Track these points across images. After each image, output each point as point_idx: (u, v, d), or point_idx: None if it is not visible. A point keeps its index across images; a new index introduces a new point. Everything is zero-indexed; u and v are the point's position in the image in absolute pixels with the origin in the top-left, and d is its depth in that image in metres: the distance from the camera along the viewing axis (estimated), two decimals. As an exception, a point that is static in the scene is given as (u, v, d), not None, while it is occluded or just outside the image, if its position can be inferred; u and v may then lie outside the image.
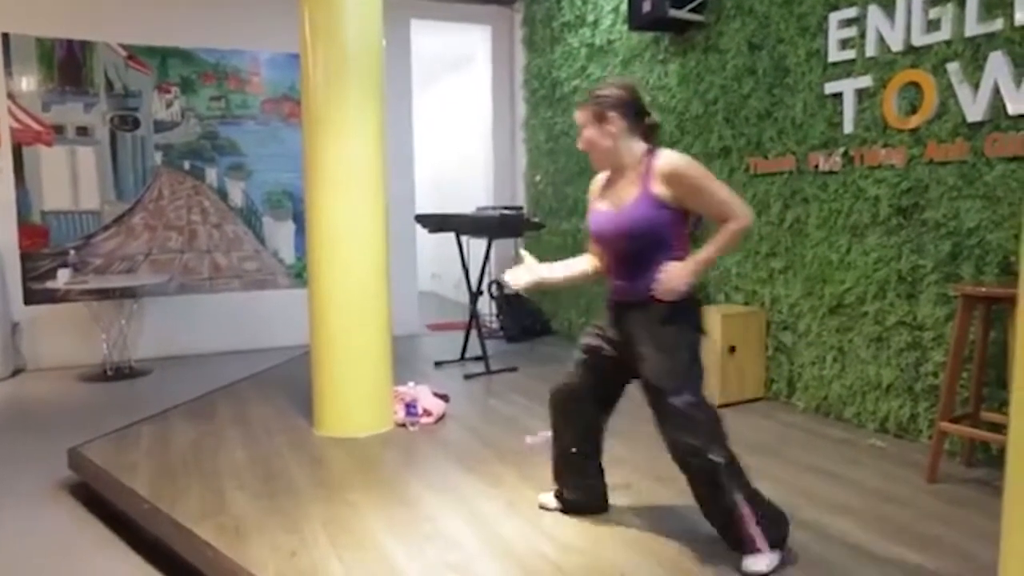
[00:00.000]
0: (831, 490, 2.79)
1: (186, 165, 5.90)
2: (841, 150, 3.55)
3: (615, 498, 2.71)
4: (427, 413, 3.71)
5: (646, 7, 4.39)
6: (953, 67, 3.04)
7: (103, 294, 5.36)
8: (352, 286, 3.51)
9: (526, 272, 2.49)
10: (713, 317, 3.94)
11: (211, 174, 5.98)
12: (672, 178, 2.21)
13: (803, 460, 3.13)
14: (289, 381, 4.47)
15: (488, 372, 4.79)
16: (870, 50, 3.38)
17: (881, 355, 3.43)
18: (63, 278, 5.26)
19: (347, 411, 3.55)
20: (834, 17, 3.53)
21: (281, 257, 6.25)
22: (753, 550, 2.16)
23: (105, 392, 4.92)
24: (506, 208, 5.43)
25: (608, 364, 2.42)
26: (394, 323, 3.78)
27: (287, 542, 2.41)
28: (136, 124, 5.74)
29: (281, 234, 6.24)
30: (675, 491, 2.79)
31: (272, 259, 6.23)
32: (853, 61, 3.47)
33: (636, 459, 3.15)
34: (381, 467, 3.16)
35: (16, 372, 5.40)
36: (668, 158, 2.24)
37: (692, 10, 4.30)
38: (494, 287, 6.35)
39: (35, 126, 5.45)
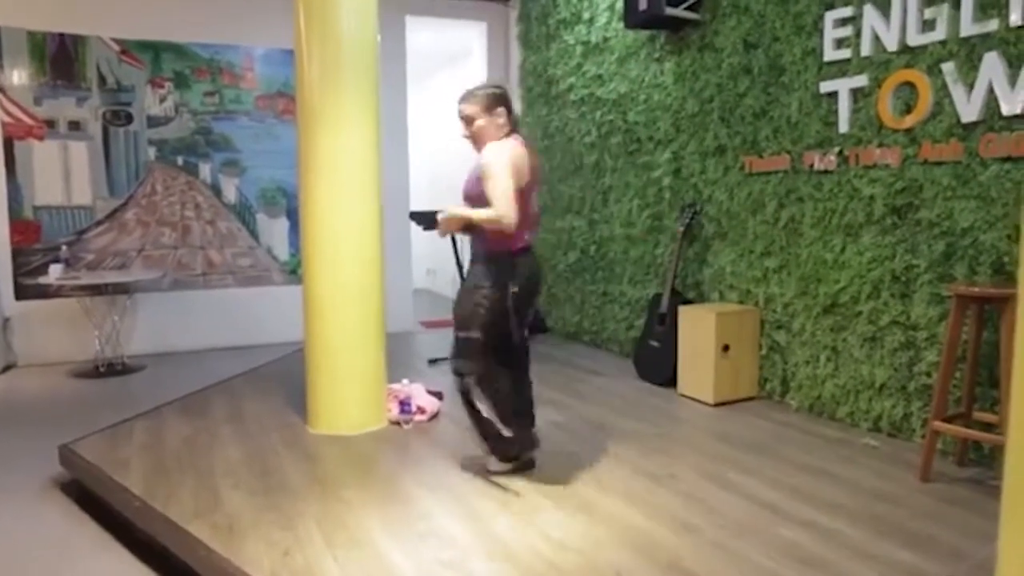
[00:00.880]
0: (824, 489, 2.80)
1: (179, 161, 5.87)
2: (836, 149, 3.56)
3: (612, 497, 2.72)
4: (421, 411, 3.70)
5: (642, 5, 4.38)
6: (948, 67, 3.05)
7: (95, 290, 5.32)
8: (346, 283, 3.51)
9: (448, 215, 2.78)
10: (707, 316, 3.95)
11: (205, 170, 5.95)
12: (480, 167, 2.73)
13: (797, 459, 3.14)
14: (283, 378, 4.45)
15: (482, 370, 4.78)
16: (865, 49, 3.39)
17: (875, 354, 3.44)
18: (55, 273, 5.23)
19: (341, 408, 3.54)
20: (830, 16, 3.54)
21: (275, 254, 6.23)
22: (488, 453, 2.93)
23: (97, 388, 4.89)
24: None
25: None
26: (388, 320, 3.77)
27: (281, 540, 2.40)
28: (129, 119, 5.70)
29: (275, 230, 6.21)
30: (672, 490, 2.81)
31: (266, 255, 6.20)
32: (848, 60, 3.48)
33: (631, 457, 3.15)
34: (375, 465, 3.16)
35: (7, 368, 5.36)
36: (487, 148, 2.75)
37: (688, 8, 4.30)
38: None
39: (27, 120, 5.41)
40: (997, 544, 1.30)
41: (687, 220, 4.41)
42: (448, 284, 8.07)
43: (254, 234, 6.15)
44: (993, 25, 2.88)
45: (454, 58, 8.10)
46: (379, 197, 3.59)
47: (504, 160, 2.66)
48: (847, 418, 3.59)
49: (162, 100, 5.78)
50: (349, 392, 3.55)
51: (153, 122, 5.77)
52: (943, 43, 3.08)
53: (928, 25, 3.13)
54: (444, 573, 2.20)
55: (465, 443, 3.25)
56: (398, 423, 3.62)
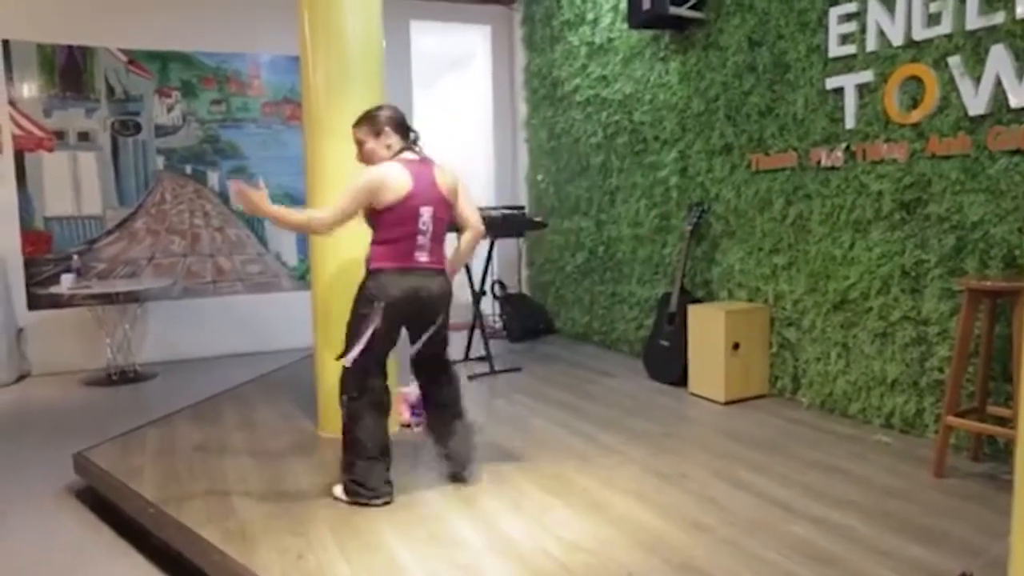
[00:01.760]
0: (837, 486, 2.79)
1: (188, 169, 5.91)
2: (843, 145, 3.54)
3: (622, 496, 2.72)
4: (431, 414, 3.71)
5: (645, 5, 4.38)
6: (954, 61, 3.03)
7: (107, 299, 5.36)
8: (354, 287, 3.50)
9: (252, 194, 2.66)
10: (717, 314, 3.94)
11: (213, 178, 5.99)
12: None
13: (809, 456, 3.12)
14: (293, 383, 4.47)
15: (492, 372, 4.79)
16: (871, 45, 3.38)
17: (886, 350, 3.42)
18: (67, 283, 5.27)
19: (352, 413, 3.55)
20: (834, 12, 3.53)
21: (284, 260, 6.26)
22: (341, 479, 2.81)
23: (110, 396, 4.92)
24: (508, 208, 5.43)
25: None
26: (397, 324, 3.77)
27: (294, 544, 2.41)
28: (137, 129, 5.75)
29: (284, 237, 6.24)
30: (683, 488, 2.80)
31: (275, 262, 6.23)
32: (854, 56, 3.47)
33: (642, 457, 3.15)
34: (386, 468, 3.16)
35: (21, 377, 5.41)
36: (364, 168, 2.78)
37: (692, 7, 4.30)
38: (497, 287, 6.35)
39: (37, 132, 5.46)
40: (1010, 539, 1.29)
41: (695, 219, 4.40)
42: (456, 288, 8.07)
43: (263, 241, 6.18)
44: (999, 17, 2.87)
45: (459, 62, 8.11)
46: (386, 201, 3.59)
47: (358, 183, 2.67)
48: (859, 415, 3.57)
49: (170, 109, 5.83)
50: (359, 396, 3.55)
51: (161, 131, 5.81)
52: (949, 36, 3.06)
53: (933, 19, 3.12)
54: (455, 575, 2.21)
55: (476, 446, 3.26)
56: (408, 426, 3.63)
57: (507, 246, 6.76)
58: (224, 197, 6.01)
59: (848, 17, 3.47)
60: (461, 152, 8.41)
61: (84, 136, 5.60)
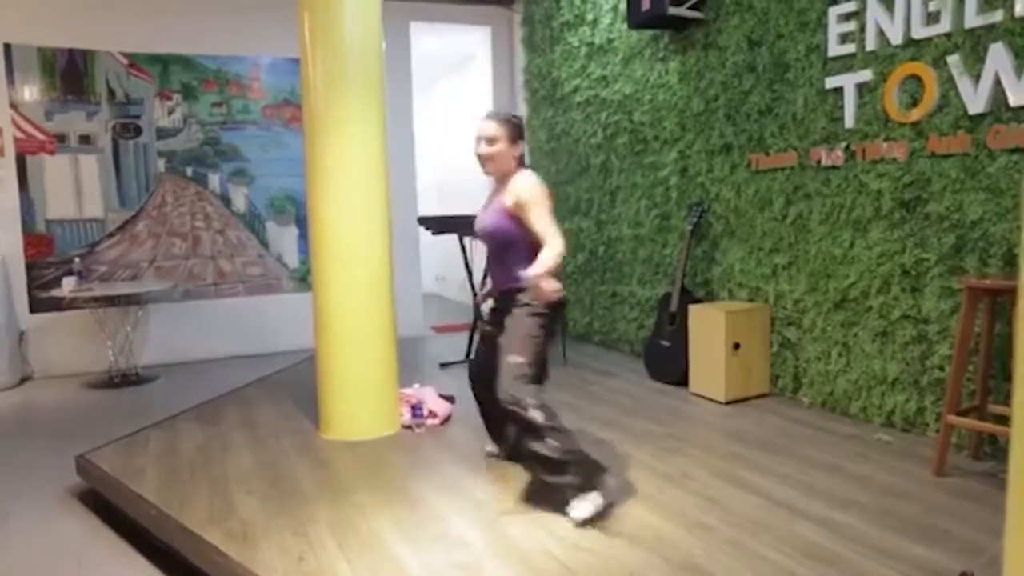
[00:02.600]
0: (838, 485, 2.79)
1: (189, 171, 5.92)
2: (843, 145, 3.54)
3: (624, 497, 2.72)
4: (433, 415, 3.71)
5: (645, 5, 4.39)
6: (953, 59, 3.03)
7: (108, 301, 5.37)
8: (356, 289, 3.52)
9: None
10: (717, 314, 3.94)
11: (214, 180, 6.00)
12: (519, 200, 2.68)
13: (810, 456, 3.12)
14: (295, 385, 4.48)
15: (493, 373, 4.78)
16: (870, 44, 3.38)
17: (886, 349, 3.42)
18: (68, 286, 5.28)
19: (353, 414, 3.56)
20: (833, 12, 3.53)
21: (285, 261, 6.27)
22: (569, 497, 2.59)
23: (112, 399, 4.93)
24: (508, 209, 5.41)
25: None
26: (399, 325, 3.78)
27: (295, 545, 2.42)
28: (138, 131, 5.76)
29: (285, 238, 6.25)
30: (684, 488, 2.80)
31: (276, 264, 6.24)
32: (853, 55, 3.47)
33: (644, 457, 3.15)
34: (388, 469, 3.17)
35: (23, 380, 5.42)
36: (519, 181, 2.73)
37: (691, 7, 4.30)
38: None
39: (38, 135, 5.47)
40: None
41: (695, 219, 4.41)
42: (457, 289, 8.09)
43: (264, 242, 6.19)
44: (998, 16, 2.87)
45: (459, 63, 8.13)
46: (387, 203, 3.61)
47: (540, 195, 2.66)
48: (860, 414, 3.57)
49: (170, 112, 5.84)
50: (360, 398, 3.56)
51: (162, 134, 5.82)
52: (948, 35, 3.06)
53: (932, 17, 3.12)
54: (458, 575, 2.21)
55: (477, 446, 3.26)
56: (410, 427, 3.63)
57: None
58: (224, 200, 6.02)
59: (847, 16, 3.48)
60: (461, 154, 8.44)
61: (85, 139, 5.61)
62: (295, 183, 6.06)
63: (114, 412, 4.51)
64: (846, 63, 3.51)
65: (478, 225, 2.87)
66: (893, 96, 3.29)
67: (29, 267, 5.48)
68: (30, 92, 5.43)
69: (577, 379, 4.62)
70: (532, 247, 2.60)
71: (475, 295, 5.06)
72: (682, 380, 4.25)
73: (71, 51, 5.52)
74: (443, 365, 5.07)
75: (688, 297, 4.41)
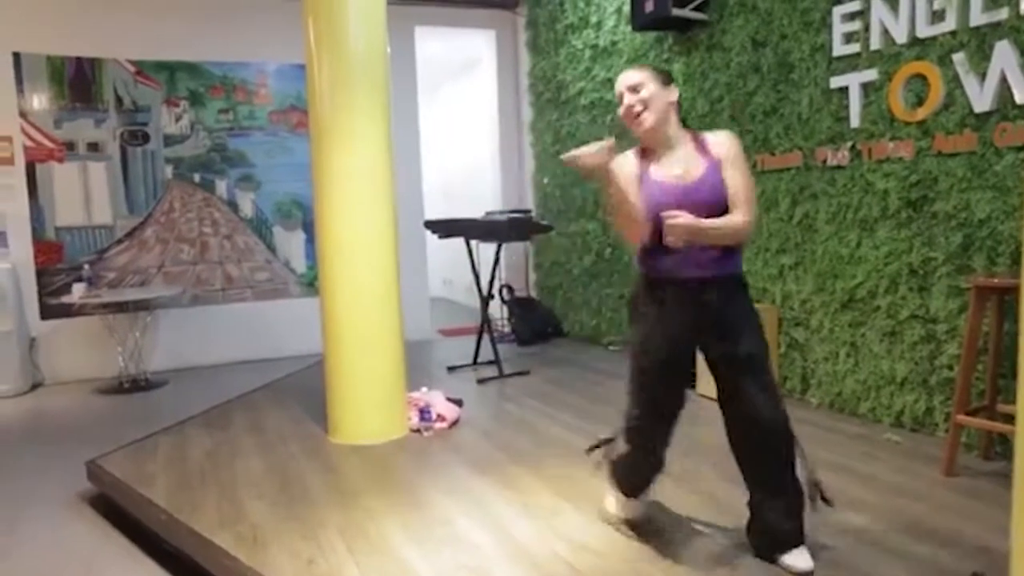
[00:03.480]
0: (847, 485, 2.78)
1: (196, 178, 5.95)
2: (848, 144, 3.54)
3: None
4: (441, 418, 3.72)
5: (648, 7, 4.39)
6: (959, 58, 3.03)
7: (118, 307, 5.41)
8: (363, 293, 3.53)
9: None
10: (724, 315, 3.93)
11: (221, 186, 6.03)
12: (729, 153, 2.20)
13: (819, 456, 3.10)
14: (303, 390, 4.49)
15: (501, 376, 4.79)
16: (875, 43, 3.37)
17: (895, 349, 3.41)
18: (78, 292, 5.32)
19: (361, 418, 3.57)
20: (837, 11, 3.52)
21: (292, 266, 6.29)
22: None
23: (121, 404, 4.96)
24: (514, 211, 5.44)
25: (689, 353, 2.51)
26: (406, 329, 3.80)
27: (305, 549, 2.43)
28: (146, 138, 5.80)
29: (292, 244, 6.28)
30: (689, 489, 2.80)
31: (283, 269, 6.27)
32: (858, 55, 3.46)
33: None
34: (396, 473, 3.18)
35: (34, 386, 5.46)
36: (723, 135, 2.26)
37: (695, 9, 4.31)
38: (505, 291, 6.36)
39: (47, 143, 5.52)
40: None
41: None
42: (464, 293, 8.10)
43: (271, 248, 6.22)
44: (1003, 14, 2.86)
45: (464, 66, 8.15)
46: (393, 207, 3.62)
47: (742, 153, 2.21)
48: (869, 414, 3.56)
49: (178, 119, 5.88)
50: (368, 402, 3.57)
51: (170, 141, 5.86)
52: (953, 33, 3.06)
53: (937, 16, 3.11)
54: (466, 578, 2.22)
55: (485, 450, 3.27)
56: (418, 431, 3.64)
57: (514, 250, 6.77)
58: (232, 205, 6.05)
59: (852, 16, 3.47)
60: (467, 156, 8.46)
61: (94, 146, 5.65)
62: (302, 188, 6.08)
63: (124, 417, 4.54)
64: (851, 62, 3.50)
65: (673, 198, 2.13)
66: (898, 95, 3.29)
67: (39, 274, 5.52)
68: (39, 100, 5.47)
69: (584, 381, 4.61)
70: None
71: (482, 297, 5.07)
72: (690, 381, 4.23)
73: (79, 59, 5.56)
74: (451, 369, 5.08)
75: (695, 298, 4.40)
